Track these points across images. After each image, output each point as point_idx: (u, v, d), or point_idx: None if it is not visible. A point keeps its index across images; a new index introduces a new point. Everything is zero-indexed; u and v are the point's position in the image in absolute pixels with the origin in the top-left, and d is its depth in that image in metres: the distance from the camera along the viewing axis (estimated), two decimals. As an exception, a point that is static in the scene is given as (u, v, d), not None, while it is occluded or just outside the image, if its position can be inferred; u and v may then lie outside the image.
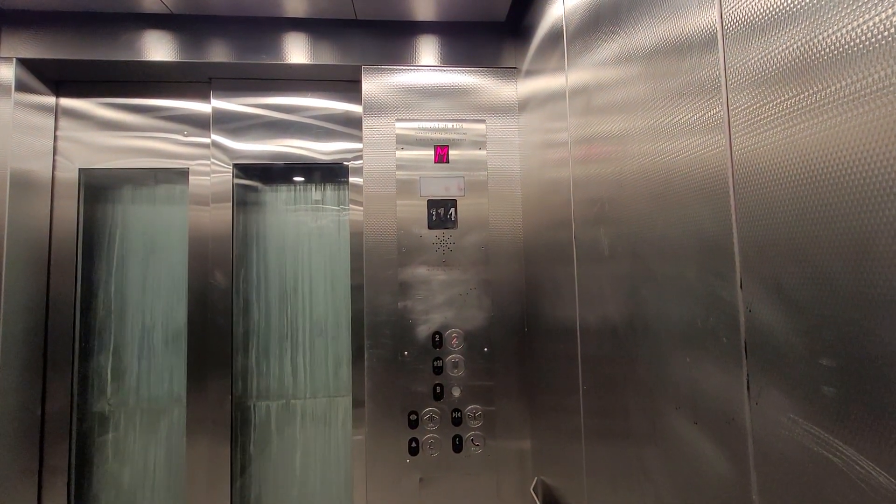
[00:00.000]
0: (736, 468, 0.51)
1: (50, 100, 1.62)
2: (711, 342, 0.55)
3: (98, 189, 1.70)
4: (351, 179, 1.69)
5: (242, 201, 1.74)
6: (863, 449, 0.38)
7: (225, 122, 1.64)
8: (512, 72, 1.61)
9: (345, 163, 1.68)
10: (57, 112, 1.63)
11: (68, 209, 1.60)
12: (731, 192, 0.52)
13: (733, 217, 0.52)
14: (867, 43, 0.37)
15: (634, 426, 0.78)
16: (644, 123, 0.73)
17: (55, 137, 1.62)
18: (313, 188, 1.77)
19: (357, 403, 1.63)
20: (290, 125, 1.67)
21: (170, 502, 1.65)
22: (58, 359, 1.56)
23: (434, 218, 1.52)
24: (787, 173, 0.45)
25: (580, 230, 1.04)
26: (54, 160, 1.60)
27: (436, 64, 1.59)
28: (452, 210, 1.53)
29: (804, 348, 0.43)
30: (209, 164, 1.63)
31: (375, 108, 1.55)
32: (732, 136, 0.52)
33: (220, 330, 1.59)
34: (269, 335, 1.73)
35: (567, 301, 1.14)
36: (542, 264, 1.36)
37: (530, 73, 1.46)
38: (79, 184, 1.62)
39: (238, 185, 1.69)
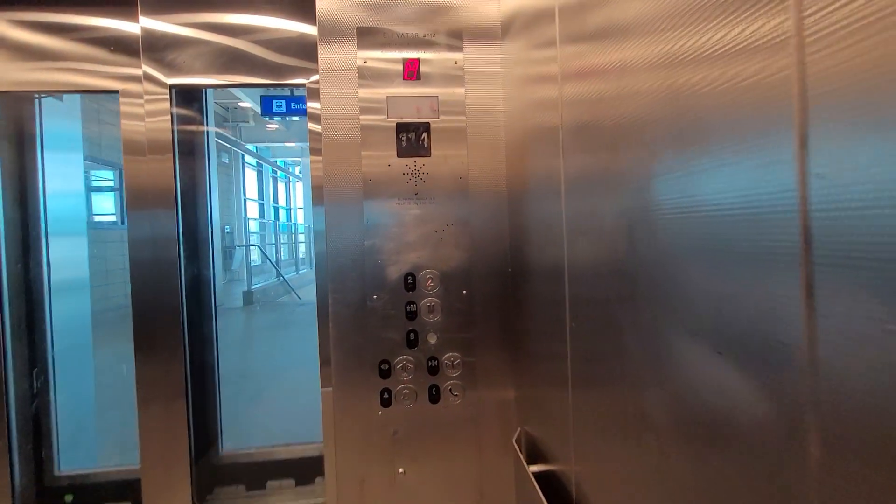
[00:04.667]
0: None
1: (-52, 9, 1.37)
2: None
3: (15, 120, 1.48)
4: (309, 107, 1.48)
5: (184, 139, 1.54)
6: None
7: (158, 47, 1.40)
8: (493, -27, 1.38)
9: (305, 84, 1.47)
10: (-42, 24, 1.38)
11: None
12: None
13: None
14: None
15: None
16: (656, 49, 0.54)
17: (-41, 55, 1.38)
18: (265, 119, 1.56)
19: (325, 357, 1.49)
20: (236, 52, 1.44)
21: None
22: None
23: (404, 143, 1.33)
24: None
25: (570, 165, 0.86)
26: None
27: (404, -38, 1.35)
28: (425, 135, 1.33)
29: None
30: (141, 88, 1.40)
31: (333, 31, 1.32)
32: (806, 53, 0.34)
33: (167, 307, 1.42)
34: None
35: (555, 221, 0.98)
36: (528, 199, 1.19)
37: (514, -32, 1.23)
38: (-8, 110, 1.39)
39: (179, 115, 1.48)
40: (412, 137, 1.33)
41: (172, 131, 1.42)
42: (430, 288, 1.36)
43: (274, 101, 10.13)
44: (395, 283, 1.35)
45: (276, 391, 4.29)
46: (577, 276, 0.86)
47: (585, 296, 0.83)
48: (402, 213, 1.34)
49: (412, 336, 1.36)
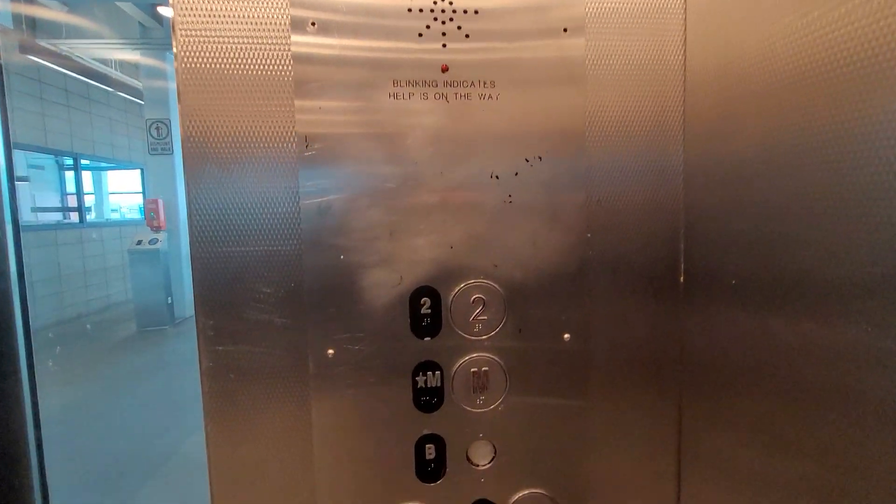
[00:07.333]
0: None
1: None
2: None
3: None
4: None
5: None
6: None
7: None
8: None
9: None
10: None
11: None
12: None
13: None
14: None
15: None
16: None
17: None
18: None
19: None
20: None
21: None
22: None
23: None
24: None
25: None
26: None
27: None
28: None
29: None
30: None
31: None
32: None
33: None
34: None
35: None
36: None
37: None
38: None
39: None
40: None
41: None
42: (476, 326, 0.51)
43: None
44: (384, 313, 0.50)
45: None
46: None
47: None
48: (404, 120, 0.49)
49: (431, 451, 0.52)
